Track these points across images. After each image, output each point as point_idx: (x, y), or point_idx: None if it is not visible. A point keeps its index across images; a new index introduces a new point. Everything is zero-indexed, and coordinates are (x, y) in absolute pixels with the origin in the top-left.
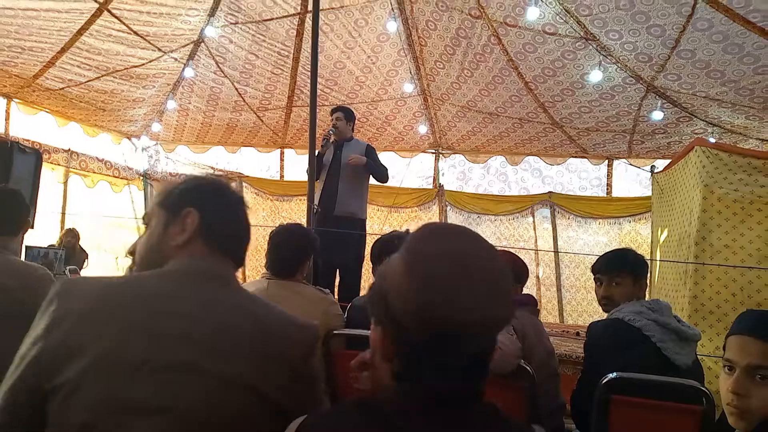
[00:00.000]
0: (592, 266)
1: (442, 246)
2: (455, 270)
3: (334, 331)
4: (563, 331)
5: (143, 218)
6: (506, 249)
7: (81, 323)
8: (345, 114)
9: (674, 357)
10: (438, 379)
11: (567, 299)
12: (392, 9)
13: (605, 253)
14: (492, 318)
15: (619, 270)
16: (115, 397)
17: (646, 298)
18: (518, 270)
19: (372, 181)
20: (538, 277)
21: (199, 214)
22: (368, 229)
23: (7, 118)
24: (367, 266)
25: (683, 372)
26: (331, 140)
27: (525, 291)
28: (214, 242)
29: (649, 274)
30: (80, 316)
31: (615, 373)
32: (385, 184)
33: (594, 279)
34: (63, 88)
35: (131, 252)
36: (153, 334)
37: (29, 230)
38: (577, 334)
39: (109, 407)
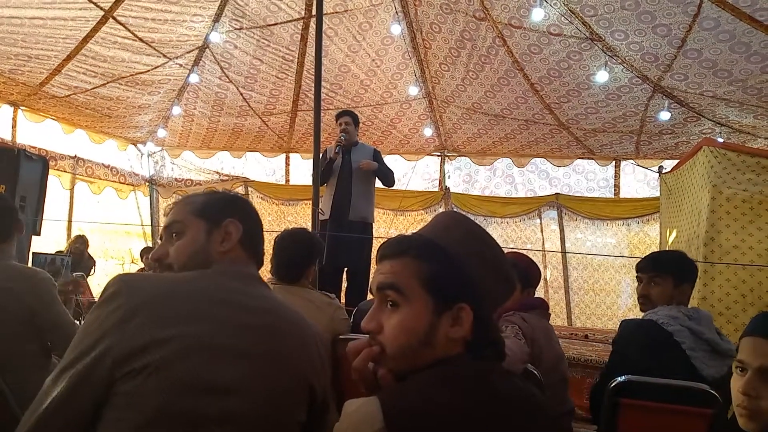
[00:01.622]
0: (636, 264)
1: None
2: (498, 246)
3: (341, 336)
4: (571, 334)
5: (168, 226)
6: (517, 251)
7: (158, 313)
8: (352, 118)
9: (702, 367)
10: (498, 338)
11: (575, 302)
12: (396, 12)
13: (651, 252)
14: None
15: (659, 270)
16: (196, 378)
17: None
18: (531, 273)
19: (377, 184)
20: (545, 279)
21: (242, 225)
22: (375, 233)
23: (13, 126)
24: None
25: (709, 383)
26: (342, 145)
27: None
28: (249, 249)
29: (695, 280)
30: (155, 307)
31: (624, 377)
32: (391, 188)
33: (636, 277)
34: (69, 96)
35: (157, 260)
36: (225, 323)
37: (36, 237)
38: (586, 336)
39: (190, 387)
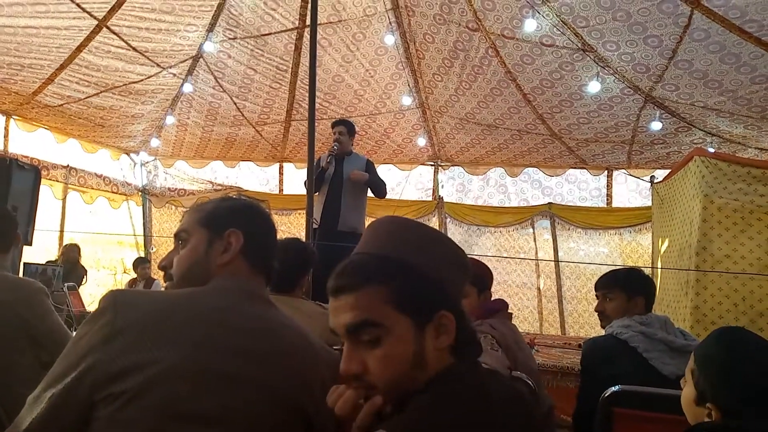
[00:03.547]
0: (595, 284)
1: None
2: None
3: (335, 347)
4: (565, 343)
5: (176, 234)
6: (474, 257)
7: (144, 335)
8: (347, 128)
9: (661, 367)
10: (474, 334)
11: (568, 311)
12: (390, 22)
13: (607, 271)
14: None
15: (611, 286)
16: (176, 406)
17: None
18: (485, 275)
19: (370, 194)
20: (539, 288)
21: (243, 235)
22: None
23: (5, 135)
24: None
25: (672, 382)
26: (334, 154)
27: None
28: (253, 261)
29: (647, 292)
30: (143, 328)
31: (618, 387)
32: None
33: (595, 295)
34: (62, 105)
35: (163, 267)
36: (215, 347)
37: (27, 247)
38: (579, 346)
39: (170, 416)
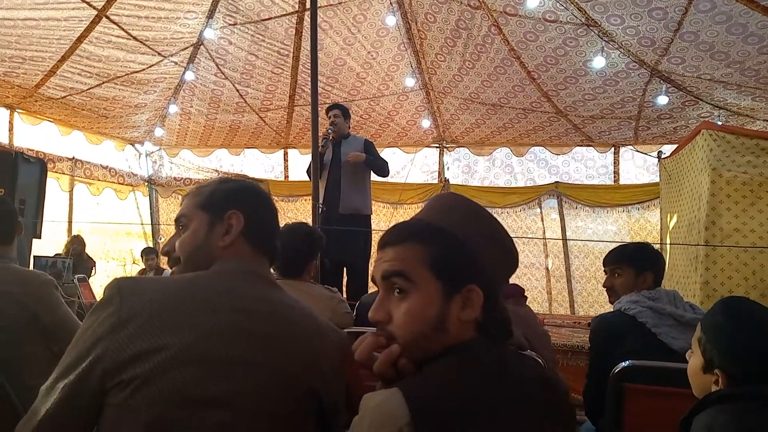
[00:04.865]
0: (603, 259)
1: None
2: (498, 222)
3: (345, 330)
4: (575, 322)
5: (176, 219)
6: None
7: (151, 322)
8: (342, 111)
9: (670, 341)
10: (506, 316)
11: (578, 290)
12: (390, 3)
13: (616, 246)
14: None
15: (619, 262)
16: (186, 391)
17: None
18: None
19: (374, 176)
20: (547, 268)
21: (243, 216)
22: (374, 226)
23: (10, 129)
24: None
25: (682, 356)
26: (330, 138)
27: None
28: (255, 242)
29: (656, 267)
30: (150, 316)
31: (628, 362)
32: (390, 180)
33: (603, 271)
34: (65, 97)
35: (166, 253)
36: (221, 331)
37: (36, 240)
38: (588, 324)
39: (179, 401)
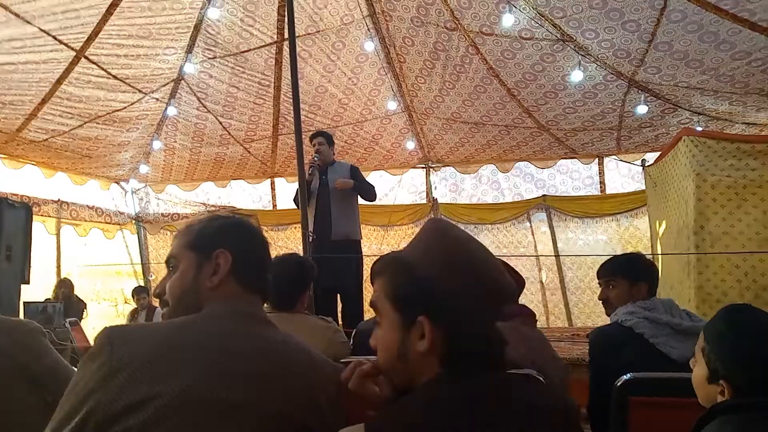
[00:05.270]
0: (597, 272)
1: (461, 231)
2: (481, 249)
3: (341, 360)
4: (573, 334)
5: (166, 261)
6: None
7: (143, 371)
8: (326, 138)
9: (668, 351)
10: (482, 349)
11: (573, 302)
12: (368, 29)
13: (608, 258)
14: (512, 285)
15: (612, 274)
16: None
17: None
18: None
19: (361, 200)
20: (541, 282)
21: (231, 255)
22: (365, 250)
23: None
24: (368, 289)
25: (681, 365)
26: (317, 166)
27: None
28: (245, 280)
29: (650, 277)
30: (141, 365)
31: (629, 375)
32: (378, 203)
33: (598, 283)
34: (47, 139)
35: (158, 295)
36: (215, 376)
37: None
38: (588, 336)
39: None
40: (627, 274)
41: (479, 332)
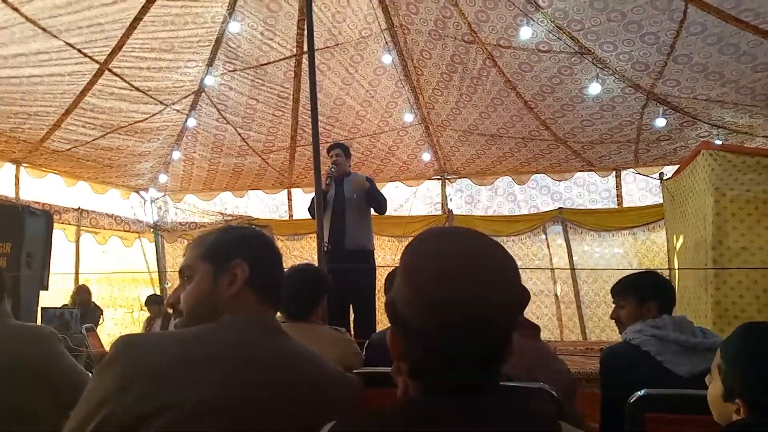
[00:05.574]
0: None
1: (436, 245)
2: (450, 265)
3: (354, 371)
4: (587, 348)
5: (181, 271)
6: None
7: (157, 381)
8: (343, 150)
9: (674, 368)
10: (453, 370)
11: (588, 315)
12: (386, 42)
13: (621, 278)
14: (494, 305)
15: (621, 293)
16: None
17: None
18: None
19: (374, 212)
20: (556, 295)
21: (248, 265)
22: (380, 261)
23: (16, 183)
24: (381, 299)
25: (687, 381)
26: (333, 176)
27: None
28: (261, 291)
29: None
30: (156, 375)
31: (643, 391)
32: (393, 214)
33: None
34: (70, 149)
35: (171, 305)
36: (231, 386)
37: (44, 291)
38: (602, 350)
39: None
40: (635, 294)
41: (433, 349)
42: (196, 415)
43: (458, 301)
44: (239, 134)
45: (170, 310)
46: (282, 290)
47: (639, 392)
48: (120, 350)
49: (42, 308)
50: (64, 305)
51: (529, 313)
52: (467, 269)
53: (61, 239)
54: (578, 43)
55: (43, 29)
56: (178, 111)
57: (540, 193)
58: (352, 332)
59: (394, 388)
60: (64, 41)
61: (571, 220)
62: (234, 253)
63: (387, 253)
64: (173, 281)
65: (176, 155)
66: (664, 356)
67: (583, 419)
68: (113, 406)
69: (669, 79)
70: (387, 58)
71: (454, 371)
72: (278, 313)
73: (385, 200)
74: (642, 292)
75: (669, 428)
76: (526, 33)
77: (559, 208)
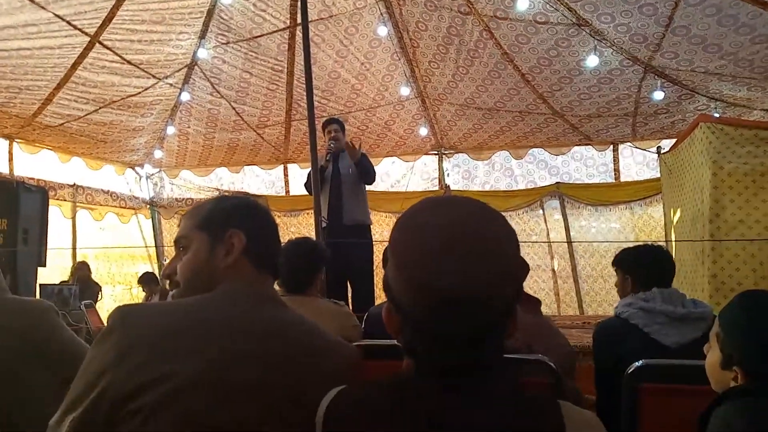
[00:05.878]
0: None
1: (427, 216)
2: (438, 242)
3: (353, 343)
4: (584, 322)
5: (176, 241)
6: None
7: (156, 350)
8: (340, 125)
9: (662, 338)
10: (442, 352)
11: (585, 290)
12: (381, 13)
13: None
14: (482, 286)
15: (615, 267)
16: (196, 420)
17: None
18: None
19: (370, 187)
20: (553, 269)
21: (245, 234)
22: (377, 236)
23: (10, 159)
24: (379, 274)
25: (673, 352)
26: (332, 152)
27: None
28: (258, 261)
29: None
30: (155, 343)
31: (641, 362)
32: (390, 189)
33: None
34: (63, 124)
35: (168, 276)
36: (230, 356)
37: (42, 268)
38: (599, 323)
39: (193, 428)
40: (621, 267)
41: (422, 331)
42: (195, 384)
43: (445, 283)
44: (234, 108)
45: (167, 282)
46: (285, 267)
47: (636, 363)
48: (117, 320)
49: (40, 285)
50: (62, 282)
51: (527, 287)
52: (456, 246)
53: (57, 216)
54: (576, 14)
55: (31, 0)
56: (171, 85)
57: (537, 168)
58: (351, 306)
59: (393, 361)
60: (53, 13)
61: (568, 194)
62: (230, 223)
63: (384, 230)
64: (170, 257)
65: (170, 130)
66: (651, 327)
67: (581, 392)
68: (112, 376)
69: (667, 51)
70: (382, 30)
71: (444, 352)
72: (276, 285)
73: (373, 171)
74: (623, 266)
75: (665, 398)
76: (523, 4)
77: (557, 182)
